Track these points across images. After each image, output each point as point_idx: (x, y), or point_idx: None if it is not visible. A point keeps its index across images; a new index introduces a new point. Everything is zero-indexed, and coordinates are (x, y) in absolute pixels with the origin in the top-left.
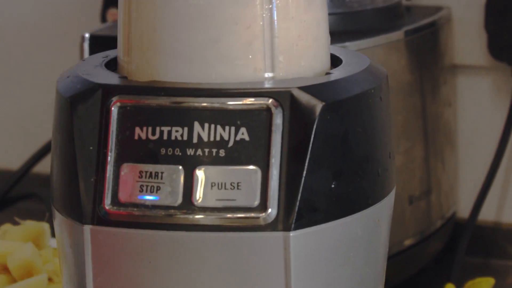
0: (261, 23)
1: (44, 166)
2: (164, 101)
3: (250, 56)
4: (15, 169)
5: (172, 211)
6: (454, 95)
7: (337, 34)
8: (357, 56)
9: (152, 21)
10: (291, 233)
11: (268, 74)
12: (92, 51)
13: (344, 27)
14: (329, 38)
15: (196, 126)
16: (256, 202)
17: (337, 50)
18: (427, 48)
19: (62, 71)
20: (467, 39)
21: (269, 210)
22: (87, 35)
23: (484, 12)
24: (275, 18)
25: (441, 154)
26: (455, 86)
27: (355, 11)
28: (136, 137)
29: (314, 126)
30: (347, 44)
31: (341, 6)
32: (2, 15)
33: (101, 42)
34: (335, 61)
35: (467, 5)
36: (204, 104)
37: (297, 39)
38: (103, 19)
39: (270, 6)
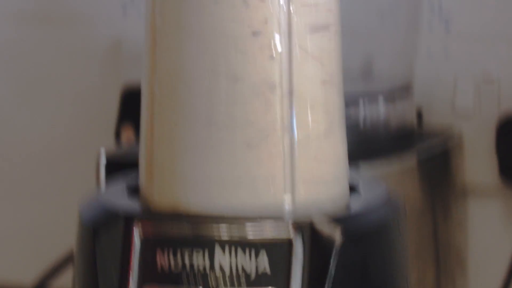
0: (282, 151)
1: (59, 281)
2: (185, 229)
3: (271, 184)
4: (27, 285)
5: None
6: (465, 217)
7: (350, 160)
8: (374, 183)
9: (174, 150)
10: None
11: (288, 199)
12: (108, 172)
13: (357, 152)
14: (348, 165)
15: (217, 255)
16: None
17: (354, 175)
18: (439, 172)
19: (76, 190)
20: (478, 162)
21: None
22: (103, 155)
23: (495, 136)
24: (296, 143)
25: (452, 276)
26: (466, 208)
27: (369, 137)
28: (158, 265)
29: (335, 259)
30: (361, 169)
31: (355, 132)
32: (15, 131)
33: (118, 163)
34: (353, 186)
35: (478, 129)
36: (226, 234)
37: (316, 164)
38: (117, 134)
39: (291, 135)
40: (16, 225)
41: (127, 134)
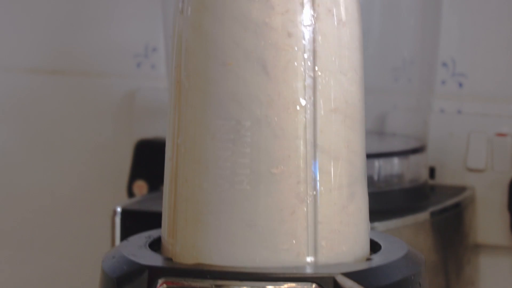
0: (305, 209)
1: None
2: (208, 284)
3: (294, 242)
4: None
5: None
6: (477, 274)
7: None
8: (395, 241)
9: (198, 205)
10: None
11: (310, 259)
12: (123, 225)
13: (372, 207)
14: (369, 224)
15: None
16: None
17: (376, 234)
18: (452, 228)
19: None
20: (490, 219)
21: None
22: (119, 209)
23: (507, 193)
24: (319, 204)
25: None
26: (478, 265)
27: (383, 191)
28: None
29: None
30: (375, 224)
31: (370, 186)
32: (27, 184)
33: (132, 217)
34: (374, 246)
35: (490, 186)
36: None
37: (339, 225)
38: (130, 191)
39: (314, 192)
40: (27, 280)
41: (140, 190)
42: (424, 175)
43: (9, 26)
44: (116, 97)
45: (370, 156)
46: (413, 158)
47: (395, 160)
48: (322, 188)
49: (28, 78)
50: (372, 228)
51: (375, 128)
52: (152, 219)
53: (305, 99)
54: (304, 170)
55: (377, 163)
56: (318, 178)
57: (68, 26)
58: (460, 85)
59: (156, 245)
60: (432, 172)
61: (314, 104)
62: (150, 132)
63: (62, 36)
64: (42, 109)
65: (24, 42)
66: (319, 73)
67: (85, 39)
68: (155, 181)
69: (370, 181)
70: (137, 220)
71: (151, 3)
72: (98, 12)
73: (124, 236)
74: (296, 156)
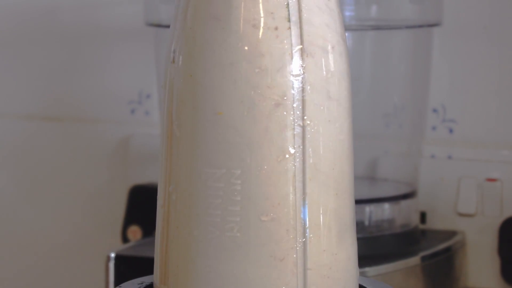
0: (294, 255)
1: None
2: None
3: (284, 286)
4: None
5: None
6: None
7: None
8: (383, 287)
9: (189, 252)
10: None
11: None
12: (117, 271)
13: (363, 252)
14: (358, 270)
15: None
16: None
17: (365, 280)
18: (443, 272)
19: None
20: (481, 263)
21: None
22: (112, 254)
23: (497, 238)
24: (308, 251)
25: None
26: None
27: (374, 236)
28: None
29: None
30: (366, 269)
31: (361, 231)
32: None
33: (126, 262)
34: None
35: (481, 231)
36: None
37: (328, 271)
38: (124, 236)
39: (304, 239)
40: None
41: (134, 235)
42: (415, 220)
43: (4, 73)
44: (110, 143)
45: (361, 201)
46: (404, 203)
47: (386, 205)
48: (311, 235)
49: (23, 124)
50: (362, 273)
51: (366, 174)
52: (146, 265)
53: (294, 147)
54: (293, 217)
55: (368, 208)
56: (307, 225)
57: (63, 73)
58: (451, 130)
59: None
60: (423, 217)
61: (303, 153)
62: (144, 177)
63: (57, 83)
64: (37, 155)
65: (19, 89)
66: (308, 122)
67: (80, 85)
68: (149, 226)
69: (361, 226)
70: (131, 266)
71: (144, 51)
72: (93, 60)
73: (118, 281)
74: (286, 203)
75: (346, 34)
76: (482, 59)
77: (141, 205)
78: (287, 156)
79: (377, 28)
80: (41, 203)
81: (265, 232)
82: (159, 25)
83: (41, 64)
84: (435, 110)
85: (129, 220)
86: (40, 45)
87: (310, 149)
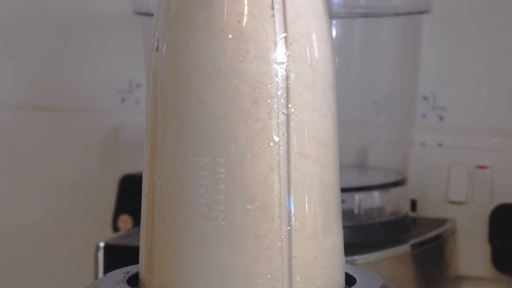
0: (279, 244)
1: None
2: None
3: (269, 276)
4: None
5: None
6: None
7: (346, 248)
8: (370, 275)
9: (174, 241)
10: None
11: None
12: (107, 260)
13: (352, 240)
14: (344, 258)
15: None
16: None
17: (351, 268)
18: (433, 260)
19: (75, 279)
20: (472, 251)
21: None
22: (101, 244)
23: (488, 225)
24: (293, 239)
25: None
26: None
27: (363, 224)
28: None
29: None
30: (355, 257)
31: (350, 219)
32: (12, 219)
33: (116, 252)
34: (349, 280)
35: (471, 218)
36: None
37: (314, 259)
38: (114, 226)
39: (289, 228)
40: None
41: (124, 224)
42: (405, 208)
43: None
44: (100, 133)
45: (351, 189)
46: (394, 191)
47: (376, 193)
48: (296, 223)
49: (12, 114)
50: (352, 261)
51: (356, 162)
52: (135, 254)
53: (278, 136)
54: (278, 206)
55: (357, 196)
56: (292, 214)
57: (53, 63)
58: (441, 118)
59: (134, 281)
60: (413, 204)
61: (288, 141)
62: (134, 167)
63: (47, 73)
64: (27, 145)
65: (8, 78)
66: (292, 110)
67: (70, 75)
68: (140, 215)
69: (351, 214)
70: (121, 255)
71: (134, 40)
72: (83, 49)
73: (107, 270)
74: (271, 192)
75: (335, 22)
76: (472, 46)
77: (132, 195)
78: (271, 144)
79: (365, 15)
80: (31, 192)
81: (250, 221)
82: (147, 14)
83: (30, 53)
84: (425, 98)
85: (119, 210)
86: (29, 34)
87: (294, 137)
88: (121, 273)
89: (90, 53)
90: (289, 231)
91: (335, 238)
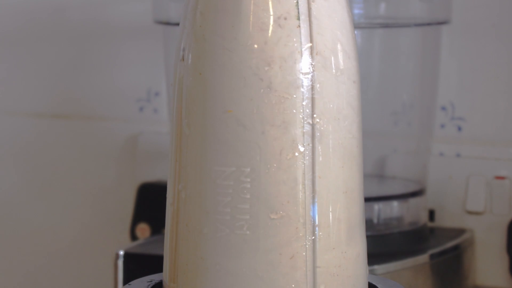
0: (304, 253)
1: None
2: None
3: (293, 285)
4: None
5: None
6: None
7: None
8: (393, 285)
9: (198, 250)
10: None
11: None
12: (126, 268)
13: (372, 250)
14: (367, 268)
15: None
16: None
17: (374, 278)
18: (451, 270)
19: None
20: (489, 261)
21: None
22: (121, 252)
23: (506, 236)
24: (318, 249)
25: None
26: None
27: (382, 234)
28: None
29: None
30: (375, 267)
31: (369, 229)
32: (31, 226)
33: (135, 260)
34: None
35: (489, 228)
36: None
37: (338, 269)
38: (132, 234)
39: (313, 237)
40: None
41: (142, 232)
42: (423, 218)
43: (13, 71)
44: (119, 141)
45: (370, 199)
46: (412, 201)
47: (395, 203)
48: (321, 233)
49: (32, 122)
50: (371, 271)
51: (375, 172)
52: (154, 262)
53: (303, 145)
54: (303, 215)
55: (376, 206)
56: (317, 223)
57: (72, 71)
58: (459, 128)
59: None
60: (431, 214)
61: (313, 151)
62: (152, 175)
63: (66, 81)
64: (46, 153)
65: (28, 87)
66: (317, 120)
67: (89, 83)
68: (158, 224)
69: (370, 224)
70: (140, 263)
71: (153, 49)
72: (101, 58)
73: (127, 279)
74: (295, 201)
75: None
76: (491, 57)
77: (150, 203)
78: (296, 154)
79: (385, 26)
80: (50, 201)
81: (274, 230)
82: (167, 23)
83: (50, 62)
84: (443, 108)
85: (137, 218)
86: (49, 43)
87: (319, 147)
88: (144, 282)
89: (109, 62)
90: (314, 241)
91: (359, 247)
